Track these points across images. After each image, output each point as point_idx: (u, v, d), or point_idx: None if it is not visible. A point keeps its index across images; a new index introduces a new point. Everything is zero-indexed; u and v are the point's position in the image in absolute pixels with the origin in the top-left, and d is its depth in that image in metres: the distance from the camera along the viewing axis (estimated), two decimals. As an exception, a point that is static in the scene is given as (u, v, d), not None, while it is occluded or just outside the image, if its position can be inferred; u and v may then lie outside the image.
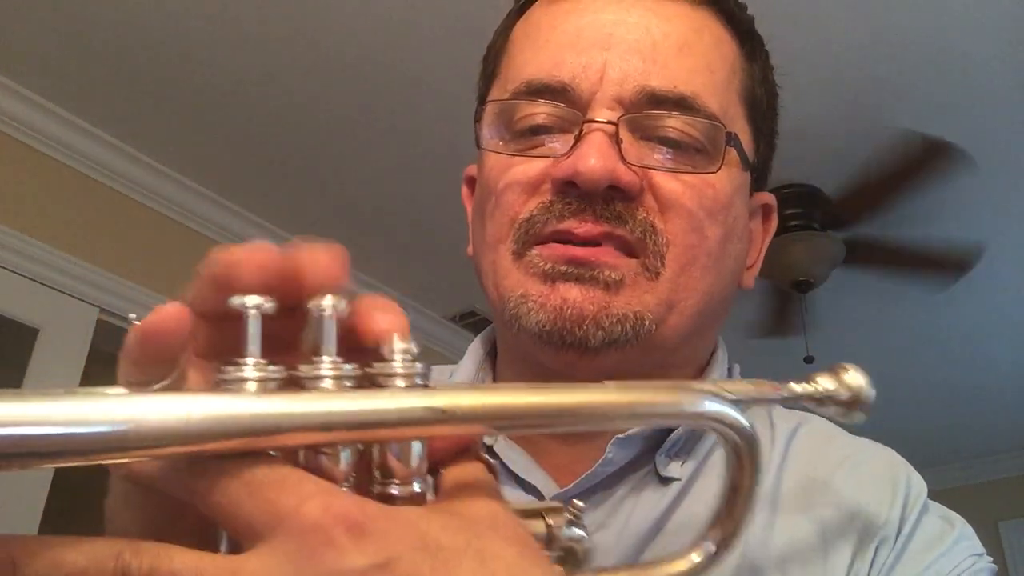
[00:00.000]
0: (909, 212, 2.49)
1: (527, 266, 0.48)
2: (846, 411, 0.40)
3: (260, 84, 2.17)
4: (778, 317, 2.92)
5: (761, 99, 0.55)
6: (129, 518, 0.30)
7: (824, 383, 0.41)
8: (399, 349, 0.29)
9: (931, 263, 2.62)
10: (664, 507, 0.48)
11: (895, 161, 2.23)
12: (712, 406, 0.34)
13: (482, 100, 0.55)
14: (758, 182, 0.55)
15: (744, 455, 0.35)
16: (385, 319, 0.29)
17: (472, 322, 3.27)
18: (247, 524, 0.26)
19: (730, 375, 0.58)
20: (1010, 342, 3.37)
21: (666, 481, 0.49)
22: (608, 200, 0.46)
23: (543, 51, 0.50)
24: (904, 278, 2.69)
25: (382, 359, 0.29)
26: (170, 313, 0.27)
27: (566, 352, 0.47)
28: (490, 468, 0.32)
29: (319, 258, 0.29)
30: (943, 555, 0.46)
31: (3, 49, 2.07)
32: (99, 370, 2.41)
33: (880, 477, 0.50)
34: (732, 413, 0.34)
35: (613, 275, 0.46)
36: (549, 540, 0.34)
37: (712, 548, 0.37)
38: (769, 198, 0.57)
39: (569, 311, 0.46)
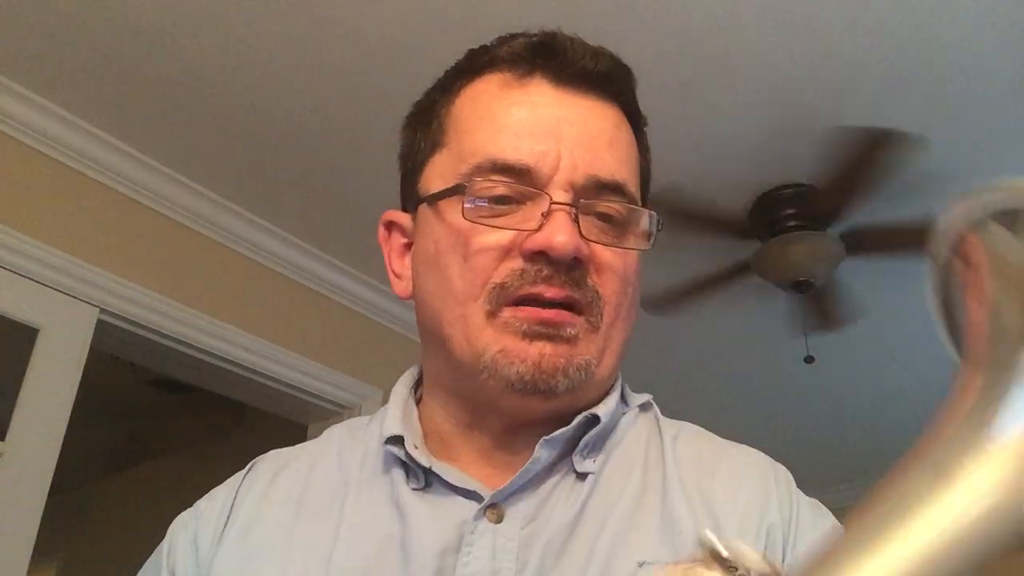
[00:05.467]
0: (903, 193, 2.48)
1: (503, 325, 0.57)
2: None
3: (263, 85, 2.17)
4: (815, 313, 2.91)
5: (648, 182, 0.66)
6: None
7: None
8: None
9: None
10: (583, 498, 0.57)
11: (859, 150, 2.22)
12: None
13: (416, 156, 0.64)
14: None
15: None
16: None
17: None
18: None
19: (624, 400, 0.66)
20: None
21: (582, 476, 0.59)
22: (570, 268, 0.56)
23: (502, 134, 0.59)
24: (920, 259, 2.66)
25: None
26: None
27: (532, 397, 0.57)
28: None
29: None
30: (824, 523, 0.58)
31: (3, 49, 2.07)
32: (99, 370, 2.41)
33: (753, 473, 0.61)
34: None
35: (571, 331, 0.57)
36: None
37: None
38: None
39: (544, 364, 0.56)
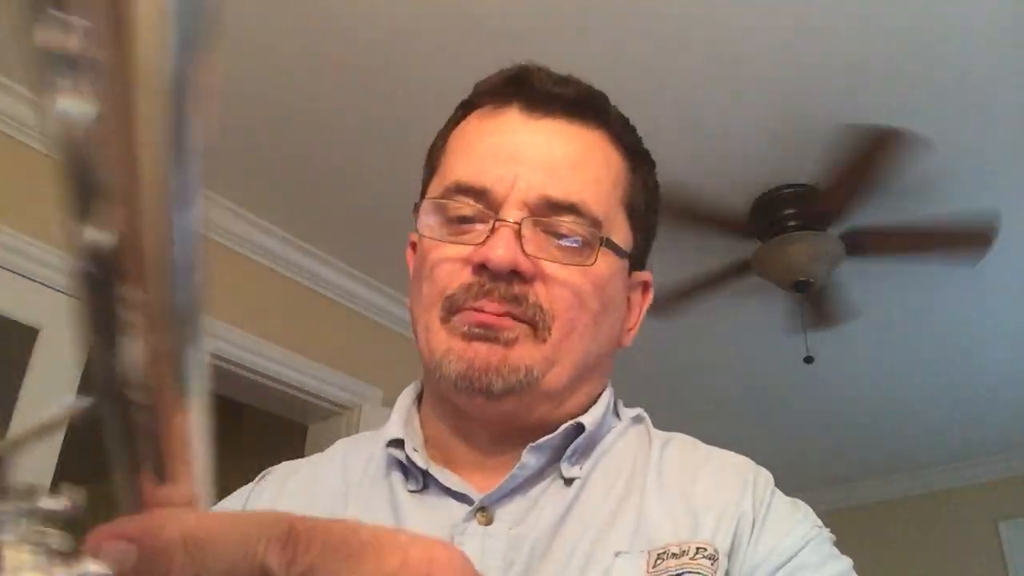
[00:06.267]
0: (906, 196, 2.49)
1: (451, 329, 0.62)
2: None
3: (262, 85, 2.17)
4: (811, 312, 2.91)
5: (640, 204, 0.70)
6: None
7: None
8: None
9: (947, 242, 2.57)
10: (568, 502, 0.61)
11: (861, 150, 2.23)
12: None
13: (424, 190, 0.70)
14: (637, 264, 0.70)
15: None
16: None
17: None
18: None
19: (616, 414, 0.71)
20: (1010, 341, 3.38)
21: (569, 482, 0.63)
22: (510, 282, 0.61)
23: (471, 159, 0.65)
24: (923, 261, 2.65)
25: None
26: None
27: (476, 397, 0.61)
28: None
29: None
30: (794, 526, 0.60)
31: (2, 49, 2.07)
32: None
33: (735, 472, 0.64)
34: None
35: (509, 335, 0.61)
36: None
37: None
38: (647, 276, 0.73)
39: (478, 363, 0.60)
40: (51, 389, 2.11)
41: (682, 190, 2.30)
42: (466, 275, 0.62)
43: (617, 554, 0.57)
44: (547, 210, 0.62)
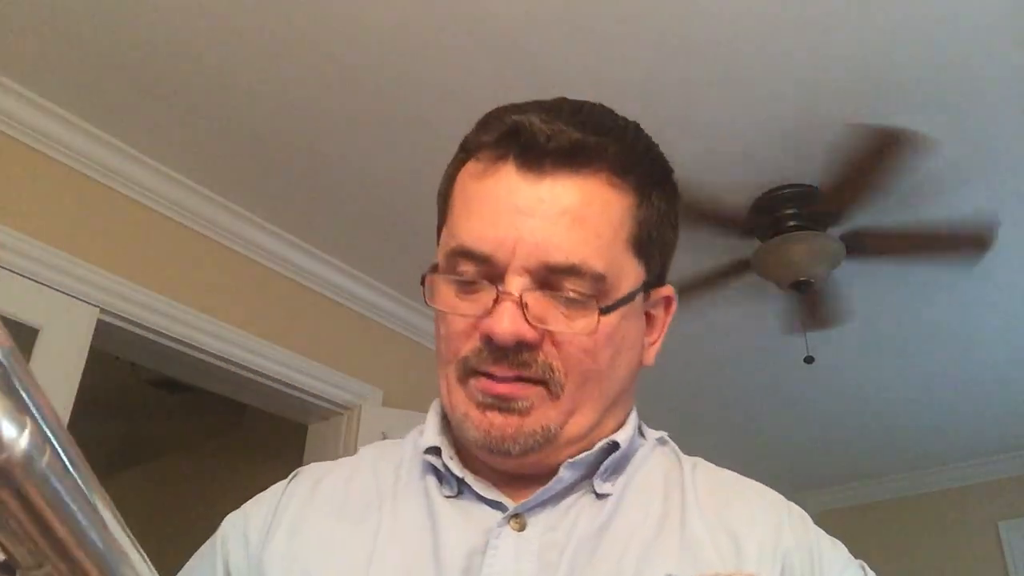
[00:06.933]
0: (906, 197, 2.49)
1: (468, 392, 0.65)
2: None
3: (262, 85, 2.17)
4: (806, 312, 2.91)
5: (652, 230, 0.69)
6: None
7: None
8: None
9: (946, 244, 2.58)
10: (605, 516, 0.64)
11: (866, 151, 2.23)
12: None
13: (438, 232, 0.72)
14: (656, 283, 0.71)
15: None
16: None
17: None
18: None
19: (642, 434, 0.73)
20: (1009, 340, 3.38)
21: (601, 497, 0.66)
22: (518, 351, 0.63)
23: (471, 221, 0.65)
24: (921, 263, 2.66)
25: None
26: None
27: (495, 455, 0.64)
28: None
29: None
30: (844, 568, 0.65)
31: (3, 49, 2.07)
32: (99, 370, 2.41)
33: (770, 505, 0.68)
34: None
35: (523, 404, 0.63)
36: None
37: None
38: (669, 291, 0.73)
39: (494, 432, 0.63)
40: (51, 389, 2.11)
41: (682, 189, 2.30)
42: (476, 340, 0.64)
43: None
44: (548, 275, 0.63)
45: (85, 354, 2.22)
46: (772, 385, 3.77)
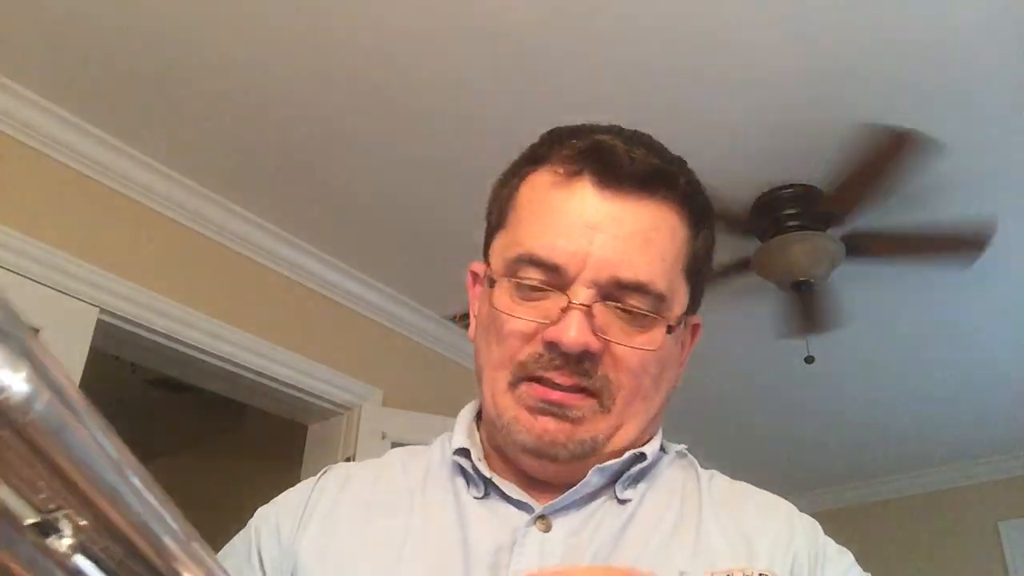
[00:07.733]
0: (906, 199, 2.48)
1: (519, 397, 0.67)
2: None
3: (262, 85, 2.17)
4: (801, 315, 2.91)
5: (700, 263, 0.73)
6: None
7: None
8: None
9: (942, 245, 2.58)
10: (625, 519, 0.67)
11: (874, 152, 2.23)
12: None
13: (489, 234, 0.74)
14: (691, 310, 0.74)
15: None
16: None
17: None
18: None
19: (663, 449, 0.76)
20: (1009, 340, 3.38)
21: (623, 502, 0.68)
22: (580, 359, 0.65)
23: (544, 230, 0.67)
24: (918, 264, 2.66)
25: None
26: None
27: (540, 461, 0.67)
28: None
29: None
30: (847, 571, 0.67)
31: (3, 49, 2.07)
32: (99, 370, 2.41)
33: (781, 512, 0.71)
34: None
35: (577, 413, 0.66)
36: None
37: None
38: (698, 319, 0.77)
39: (547, 437, 0.66)
40: (51, 389, 2.11)
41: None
42: (536, 345, 0.66)
43: (681, 573, 0.62)
44: (616, 289, 0.65)
45: (85, 354, 2.22)
46: (772, 385, 3.77)
